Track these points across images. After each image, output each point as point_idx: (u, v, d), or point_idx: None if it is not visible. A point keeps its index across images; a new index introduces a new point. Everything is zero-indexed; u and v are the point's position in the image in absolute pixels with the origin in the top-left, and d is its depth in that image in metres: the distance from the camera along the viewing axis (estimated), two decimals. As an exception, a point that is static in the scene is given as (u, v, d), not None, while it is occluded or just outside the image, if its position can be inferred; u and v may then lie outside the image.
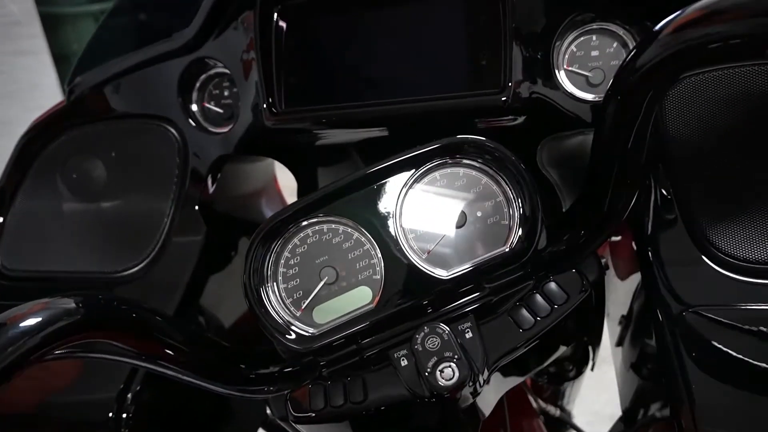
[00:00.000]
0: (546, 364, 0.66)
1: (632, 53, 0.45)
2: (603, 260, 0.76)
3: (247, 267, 0.56)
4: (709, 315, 0.54)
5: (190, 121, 0.76)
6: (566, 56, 0.64)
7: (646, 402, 0.76)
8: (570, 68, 0.64)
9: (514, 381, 0.66)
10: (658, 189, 0.60)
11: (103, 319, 0.44)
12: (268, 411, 0.65)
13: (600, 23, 0.62)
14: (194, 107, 0.77)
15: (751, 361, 0.51)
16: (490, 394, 0.61)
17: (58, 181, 0.79)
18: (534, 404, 1.06)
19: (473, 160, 0.57)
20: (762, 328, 0.52)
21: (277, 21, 0.66)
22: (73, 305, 0.42)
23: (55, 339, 0.40)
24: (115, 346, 0.45)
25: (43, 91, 4.08)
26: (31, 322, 0.39)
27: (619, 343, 0.91)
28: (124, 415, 0.66)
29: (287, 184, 1.00)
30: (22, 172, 0.80)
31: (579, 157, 0.88)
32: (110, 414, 0.65)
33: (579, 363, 0.93)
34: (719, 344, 0.53)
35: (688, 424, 0.52)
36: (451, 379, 0.51)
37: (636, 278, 0.76)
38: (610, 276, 0.81)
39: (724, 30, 0.39)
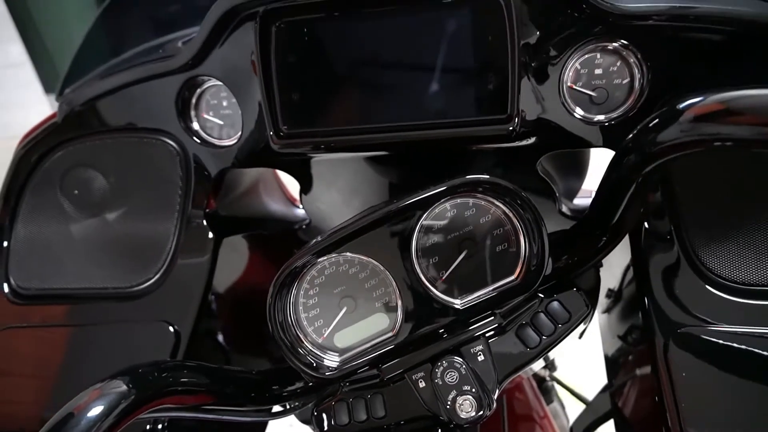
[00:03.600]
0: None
1: (655, 122, 0.47)
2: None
3: (273, 317, 0.58)
4: (701, 334, 0.59)
5: (194, 138, 0.75)
6: (570, 73, 0.64)
7: (629, 363, 0.84)
8: (574, 87, 0.64)
9: (518, 379, 0.72)
10: (655, 210, 0.64)
11: (155, 392, 0.47)
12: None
13: (608, 43, 0.62)
14: (195, 125, 0.75)
15: (738, 378, 0.57)
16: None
17: (59, 196, 0.78)
18: None
19: (485, 195, 0.59)
20: (747, 347, 0.58)
21: (276, 39, 0.64)
22: (125, 387, 0.45)
23: (118, 421, 0.44)
24: (168, 408, 0.49)
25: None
26: (96, 411, 0.43)
27: (606, 311, 0.98)
28: (159, 426, 0.71)
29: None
30: (20, 190, 0.79)
31: (573, 156, 0.90)
32: (148, 426, 0.71)
33: None
34: (708, 362, 0.59)
35: (675, 426, 0.59)
36: (470, 411, 0.56)
37: (624, 257, 0.82)
38: None
39: (742, 133, 0.41)
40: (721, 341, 0.59)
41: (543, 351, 0.62)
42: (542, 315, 0.62)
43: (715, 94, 0.45)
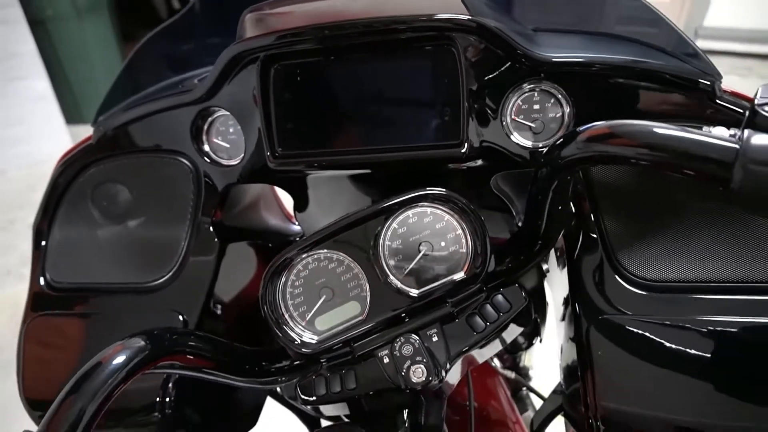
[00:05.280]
0: (501, 348, 0.84)
1: (559, 142, 0.61)
2: (545, 266, 0.94)
3: (264, 298, 0.72)
4: (616, 321, 0.72)
5: (205, 158, 0.89)
6: (513, 108, 0.78)
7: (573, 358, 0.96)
8: (516, 119, 0.78)
9: (475, 363, 0.84)
10: (585, 219, 0.77)
11: (166, 350, 0.60)
12: (279, 390, 0.82)
13: (539, 84, 0.76)
14: (206, 148, 0.90)
15: (646, 359, 0.69)
16: (454, 376, 0.79)
17: (90, 207, 0.93)
18: (499, 369, 1.27)
19: (439, 205, 0.72)
20: (654, 333, 0.70)
21: (274, 78, 0.79)
22: (142, 343, 0.58)
23: (135, 370, 0.56)
24: (177, 365, 0.61)
25: (22, 59, 4.07)
26: (118, 360, 0.55)
27: (562, 319, 1.10)
28: (167, 399, 0.84)
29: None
30: (58, 200, 0.94)
31: (525, 178, 1.04)
32: (157, 398, 0.83)
33: (530, 336, 1.13)
34: (620, 345, 0.71)
35: (591, 399, 0.71)
36: (420, 377, 0.69)
37: None
38: (554, 266, 0.98)
39: (620, 151, 0.55)
40: (633, 329, 0.71)
41: (488, 335, 0.74)
42: (488, 306, 0.75)
43: (605, 123, 0.59)
